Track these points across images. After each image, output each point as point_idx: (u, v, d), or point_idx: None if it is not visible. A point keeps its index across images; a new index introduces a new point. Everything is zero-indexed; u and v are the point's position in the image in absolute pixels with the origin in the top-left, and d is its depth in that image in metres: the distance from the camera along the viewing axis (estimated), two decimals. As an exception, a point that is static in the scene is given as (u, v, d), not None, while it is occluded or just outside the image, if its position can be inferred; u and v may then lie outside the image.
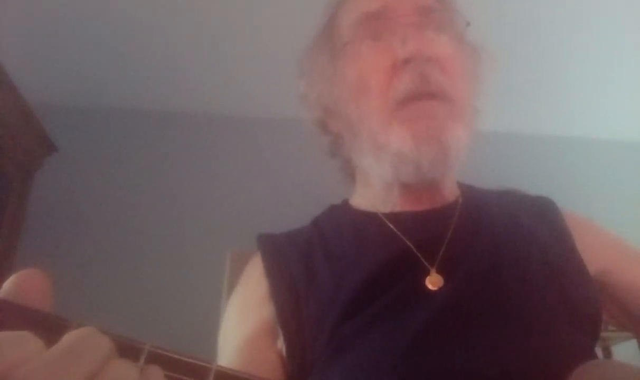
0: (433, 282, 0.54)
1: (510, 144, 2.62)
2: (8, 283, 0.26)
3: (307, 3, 1.87)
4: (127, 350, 0.26)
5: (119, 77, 2.35)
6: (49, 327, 0.25)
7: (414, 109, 0.57)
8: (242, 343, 0.56)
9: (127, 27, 2.08)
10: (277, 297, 0.58)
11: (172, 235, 2.32)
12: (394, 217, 0.62)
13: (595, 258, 0.61)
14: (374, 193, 0.65)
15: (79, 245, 2.24)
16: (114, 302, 2.16)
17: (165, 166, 2.48)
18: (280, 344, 0.55)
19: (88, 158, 2.42)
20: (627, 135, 2.81)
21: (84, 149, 2.42)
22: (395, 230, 0.60)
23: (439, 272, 0.55)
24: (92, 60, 2.24)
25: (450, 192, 0.65)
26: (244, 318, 0.59)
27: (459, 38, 0.65)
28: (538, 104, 2.59)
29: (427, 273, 0.55)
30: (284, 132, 2.50)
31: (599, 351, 0.64)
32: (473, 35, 0.67)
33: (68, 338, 0.24)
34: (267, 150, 2.55)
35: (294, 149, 2.46)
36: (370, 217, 0.63)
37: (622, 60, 2.32)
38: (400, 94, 0.57)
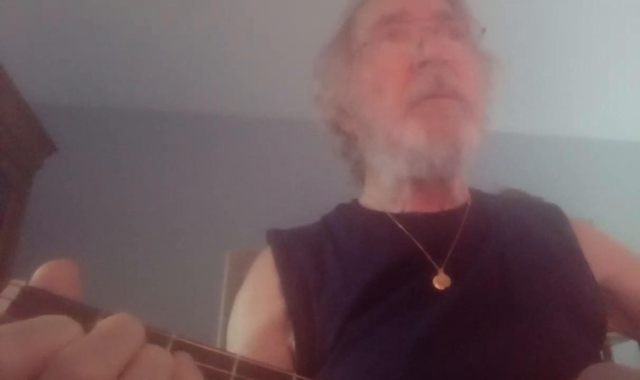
0: (440, 282, 0.55)
1: (511, 144, 2.62)
2: (39, 271, 0.27)
3: (307, 4, 1.88)
4: (154, 338, 0.26)
5: (119, 77, 2.35)
6: (79, 315, 0.25)
7: (429, 106, 0.58)
8: (252, 337, 0.57)
9: (127, 27, 2.08)
10: (288, 292, 0.58)
11: (171, 235, 2.32)
12: (403, 217, 0.62)
13: (601, 265, 0.62)
14: (384, 193, 0.66)
15: (79, 245, 2.24)
16: (113, 302, 2.15)
17: (165, 166, 2.48)
18: (291, 340, 0.56)
19: (88, 158, 2.42)
20: (627, 135, 2.81)
21: (84, 149, 2.42)
22: (404, 230, 0.60)
23: (446, 272, 0.55)
24: (92, 60, 2.24)
25: (460, 195, 0.65)
26: (254, 312, 0.60)
27: (473, 45, 0.66)
28: (539, 104, 2.59)
29: (435, 273, 0.55)
30: (284, 132, 2.50)
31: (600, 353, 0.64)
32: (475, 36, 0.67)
33: (106, 323, 0.24)
34: (267, 150, 2.55)
35: (294, 149, 2.47)
36: (379, 217, 0.64)
37: (622, 61, 2.32)
38: (415, 95, 0.58)
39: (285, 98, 2.35)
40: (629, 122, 2.73)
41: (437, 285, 0.54)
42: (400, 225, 0.61)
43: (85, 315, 0.25)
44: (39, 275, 0.27)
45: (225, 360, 0.27)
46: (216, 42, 2.16)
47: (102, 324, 0.24)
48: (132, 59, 2.24)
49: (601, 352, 0.58)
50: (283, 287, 0.59)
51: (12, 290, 0.25)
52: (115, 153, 2.47)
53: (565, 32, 2.16)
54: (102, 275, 2.21)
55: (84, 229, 2.29)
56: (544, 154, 2.72)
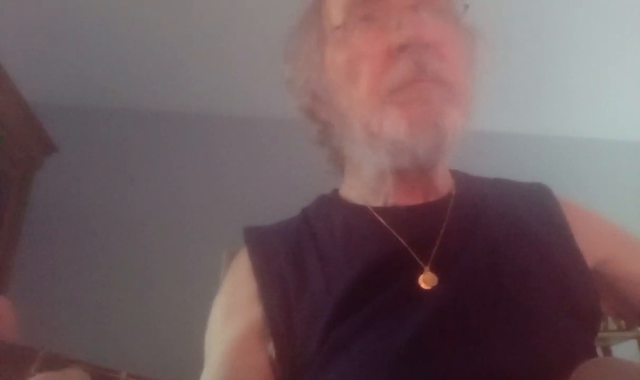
0: (427, 281, 0.52)
1: (510, 144, 2.62)
2: None
3: (307, 4, 1.87)
4: (102, 379, 0.24)
5: (119, 77, 2.35)
6: (15, 358, 0.23)
7: (410, 91, 0.54)
8: (230, 347, 0.54)
9: (127, 27, 2.08)
10: (265, 297, 0.55)
11: (169, 235, 2.32)
12: (385, 211, 0.59)
13: (593, 248, 0.60)
14: (365, 184, 0.62)
15: (79, 245, 2.24)
16: (112, 301, 2.16)
17: (164, 166, 2.48)
18: (270, 347, 0.53)
19: (88, 158, 2.42)
20: (627, 135, 2.81)
21: (84, 149, 2.42)
22: (386, 226, 0.57)
23: (432, 270, 0.53)
24: (92, 60, 2.24)
25: (443, 183, 0.62)
26: (231, 320, 0.57)
27: (456, 21, 0.61)
28: (538, 104, 2.59)
29: (421, 271, 0.53)
30: (283, 132, 2.49)
31: (598, 351, 0.63)
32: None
33: None
34: (265, 151, 2.55)
35: (292, 150, 2.45)
36: (361, 211, 0.60)
37: (622, 61, 2.32)
38: (395, 83, 0.54)
39: (284, 98, 2.34)
40: (629, 122, 2.73)
41: (423, 285, 0.52)
42: (382, 221, 0.58)
43: (22, 360, 0.23)
44: None
45: None
46: (216, 42, 2.16)
47: None
48: (132, 59, 2.24)
49: (600, 349, 0.57)
50: (260, 293, 0.56)
51: None
52: (115, 153, 2.47)
53: (565, 31, 2.16)
54: (100, 276, 2.21)
55: (84, 229, 2.29)
56: (544, 154, 2.71)
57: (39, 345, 0.24)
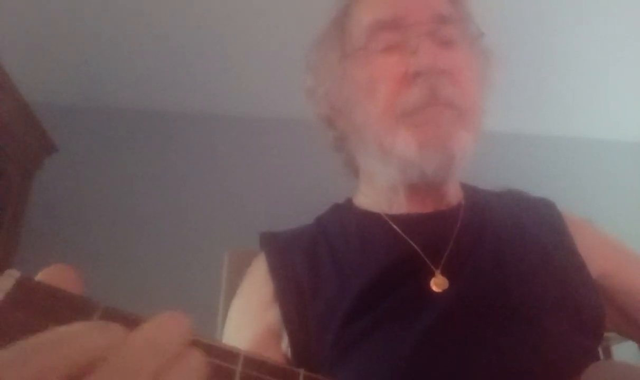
0: (438, 284, 0.54)
1: (510, 144, 2.62)
2: (45, 270, 0.27)
3: (308, 3, 1.88)
4: None
5: (119, 77, 2.35)
6: (77, 308, 0.25)
7: (421, 115, 0.57)
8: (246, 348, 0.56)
9: (127, 27, 2.08)
10: (282, 298, 0.57)
11: (170, 235, 2.33)
12: (398, 218, 0.61)
13: (595, 261, 0.61)
14: (379, 193, 0.64)
15: (79, 245, 2.24)
16: (113, 302, 2.16)
17: (164, 166, 2.48)
18: (285, 347, 0.55)
19: (88, 158, 2.42)
20: (627, 135, 2.81)
21: (84, 149, 2.42)
22: (399, 231, 0.60)
23: (443, 274, 0.55)
24: (92, 60, 2.24)
25: (454, 195, 0.65)
26: (247, 322, 0.59)
27: (471, 46, 0.64)
28: (538, 104, 2.59)
29: (432, 275, 0.55)
30: (284, 132, 2.50)
31: (599, 351, 0.63)
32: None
33: (149, 326, 0.23)
34: (266, 151, 2.55)
35: (293, 149, 2.47)
36: (374, 218, 0.63)
37: (622, 61, 2.32)
38: (408, 106, 0.57)
39: (285, 98, 2.35)
40: (629, 122, 2.73)
41: (434, 288, 0.54)
42: (395, 227, 0.60)
43: (84, 309, 0.25)
44: (44, 273, 0.26)
45: (229, 355, 0.26)
46: (216, 42, 2.16)
47: (145, 329, 0.23)
48: (133, 59, 2.24)
49: (600, 350, 0.58)
50: (277, 294, 0.58)
51: (7, 280, 0.24)
52: (115, 153, 2.47)
53: (566, 32, 2.16)
54: (101, 276, 2.21)
55: (84, 229, 2.29)
56: (544, 154, 2.72)
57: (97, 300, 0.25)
